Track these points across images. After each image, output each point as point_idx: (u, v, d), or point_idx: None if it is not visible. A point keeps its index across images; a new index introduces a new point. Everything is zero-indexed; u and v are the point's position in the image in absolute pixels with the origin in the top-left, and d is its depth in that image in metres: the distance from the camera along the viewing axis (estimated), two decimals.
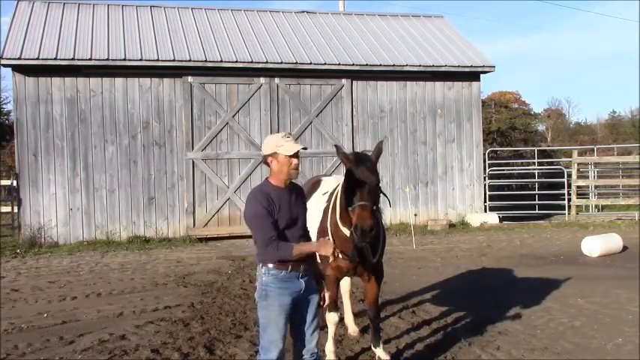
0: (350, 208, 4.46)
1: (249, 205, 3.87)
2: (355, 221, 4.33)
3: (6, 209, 15.05)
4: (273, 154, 3.85)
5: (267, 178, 3.99)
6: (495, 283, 8.70)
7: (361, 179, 4.42)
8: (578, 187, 16.93)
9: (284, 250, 3.78)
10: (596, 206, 19.17)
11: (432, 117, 15.98)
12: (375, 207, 4.43)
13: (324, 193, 5.61)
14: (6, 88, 36.78)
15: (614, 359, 5.42)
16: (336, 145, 4.92)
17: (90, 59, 13.65)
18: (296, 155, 3.87)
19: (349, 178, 4.48)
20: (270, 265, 3.85)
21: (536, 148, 23.40)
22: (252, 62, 14.56)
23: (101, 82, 13.99)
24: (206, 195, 14.50)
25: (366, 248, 4.80)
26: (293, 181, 4.05)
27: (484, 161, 17.24)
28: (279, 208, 3.84)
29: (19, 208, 13.60)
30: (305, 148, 3.92)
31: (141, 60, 13.91)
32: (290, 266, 3.85)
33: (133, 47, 14.35)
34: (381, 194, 4.73)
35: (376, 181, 4.47)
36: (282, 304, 3.85)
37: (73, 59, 13.57)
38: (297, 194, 4.07)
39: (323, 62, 15.01)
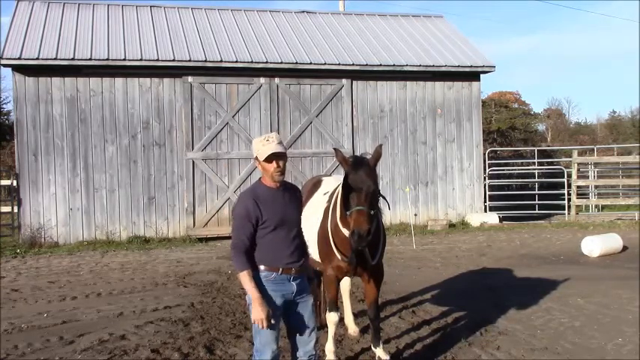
0: (348, 213, 4.46)
1: (236, 205, 3.94)
2: (352, 226, 4.35)
3: (6, 209, 15.04)
4: (256, 158, 3.87)
5: (260, 178, 3.99)
6: (495, 283, 8.70)
7: (359, 184, 4.42)
8: (578, 187, 16.93)
9: (237, 264, 3.80)
10: (596, 206, 19.17)
11: (432, 117, 15.99)
12: (372, 211, 4.43)
13: (325, 194, 5.61)
14: (6, 88, 36.74)
15: (614, 359, 5.42)
16: (335, 149, 4.90)
17: (90, 59, 13.66)
18: (275, 158, 3.79)
19: (347, 182, 4.49)
20: (262, 267, 3.85)
21: (536, 148, 23.38)
22: (252, 62, 14.56)
23: (101, 82, 14.00)
24: (206, 195, 14.50)
25: (365, 250, 4.81)
26: (289, 181, 4.05)
27: (484, 161, 17.23)
28: (269, 209, 3.82)
29: (19, 208, 13.60)
30: (281, 152, 3.79)
31: (141, 60, 13.92)
32: (281, 269, 3.85)
33: (133, 47, 14.35)
34: (380, 197, 4.73)
35: (374, 186, 4.46)
36: (274, 306, 3.84)
37: (73, 59, 13.58)
38: (292, 195, 4.03)
39: (323, 62, 15.01)
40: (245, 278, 3.76)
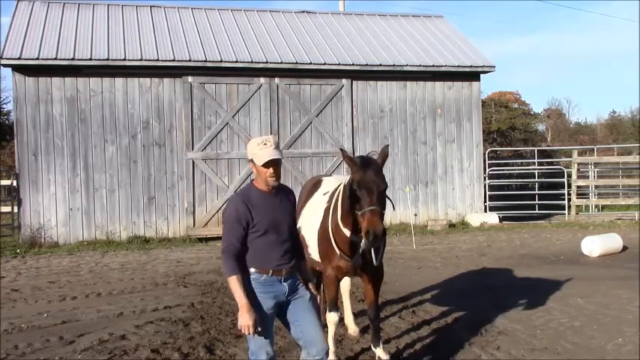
0: (359, 213, 4.43)
1: (226, 208, 3.87)
2: (367, 226, 4.29)
3: (6, 209, 15.04)
4: (252, 160, 3.81)
5: (252, 181, 3.94)
6: (495, 283, 8.70)
7: (370, 183, 4.40)
8: (578, 187, 16.93)
9: (226, 269, 3.75)
10: (596, 206, 19.17)
11: (432, 117, 15.99)
12: (383, 211, 4.43)
13: (325, 193, 5.59)
14: (6, 88, 36.77)
15: (614, 359, 5.42)
16: (341, 149, 4.90)
17: (90, 59, 13.66)
18: (271, 164, 3.75)
19: (357, 182, 4.46)
20: (252, 270, 3.81)
21: (536, 148, 23.39)
22: (252, 62, 14.56)
23: (101, 82, 14.00)
24: (206, 195, 14.50)
25: (369, 251, 4.80)
26: (284, 183, 3.97)
27: (484, 161, 17.23)
28: (260, 213, 3.78)
29: (19, 208, 13.60)
30: (279, 159, 3.75)
31: (141, 60, 13.92)
32: (271, 271, 3.81)
33: (133, 47, 14.35)
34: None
35: (384, 186, 4.46)
36: (266, 308, 3.81)
37: (73, 59, 13.58)
38: (286, 198, 3.97)
39: (323, 62, 15.02)
40: (234, 283, 3.69)
